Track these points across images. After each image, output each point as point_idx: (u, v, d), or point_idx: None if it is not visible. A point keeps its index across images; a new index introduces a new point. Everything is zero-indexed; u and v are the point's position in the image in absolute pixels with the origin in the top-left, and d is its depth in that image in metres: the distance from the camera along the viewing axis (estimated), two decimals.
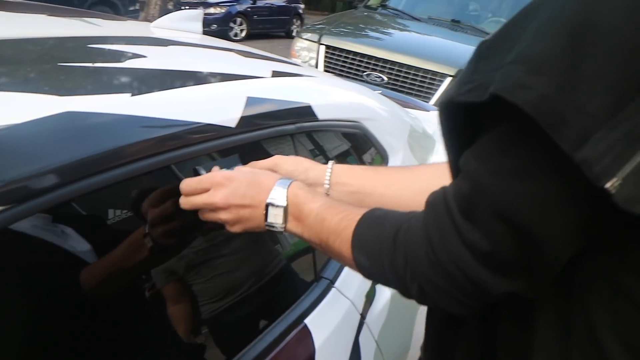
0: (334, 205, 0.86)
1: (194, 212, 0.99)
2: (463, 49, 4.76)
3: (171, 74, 1.25)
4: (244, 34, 15.67)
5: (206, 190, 0.95)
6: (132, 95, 1.02)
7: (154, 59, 1.31)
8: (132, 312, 1.03)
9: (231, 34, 15.26)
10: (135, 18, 12.75)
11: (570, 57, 0.51)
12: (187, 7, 14.87)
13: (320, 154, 1.58)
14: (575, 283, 0.61)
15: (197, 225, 1.03)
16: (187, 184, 0.97)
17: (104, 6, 11.45)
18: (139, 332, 1.04)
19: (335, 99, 1.69)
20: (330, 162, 1.08)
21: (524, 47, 0.54)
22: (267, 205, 0.91)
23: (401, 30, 5.75)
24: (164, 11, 15.51)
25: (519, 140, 0.57)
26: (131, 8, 12.22)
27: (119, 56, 1.27)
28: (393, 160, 1.82)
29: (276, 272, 1.38)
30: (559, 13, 0.53)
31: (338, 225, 0.82)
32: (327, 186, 1.04)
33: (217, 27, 14.70)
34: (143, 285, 1.04)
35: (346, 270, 1.45)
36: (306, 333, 1.28)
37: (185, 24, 2.02)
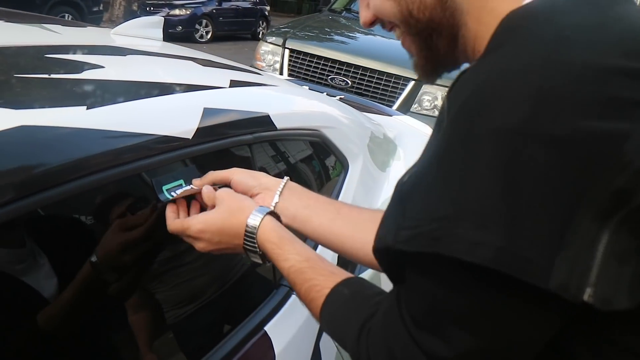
0: (302, 270, 0.88)
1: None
2: None
3: (128, 85, 1.26)
4: (209, 35, 15.61)
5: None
6: (87, 108, 1.02)
7: (111, 70, 1.31)
8: (94, 321, 1.03)
9: (197, 35, 15.20)
10: (99, 19, 12.61)
11: (507, 201, 0.54)
12: (152, 8, 14.78)
13: (278, 163, 1.60)
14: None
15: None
16: (171, 228, 1.01)
17: (66, 6, 11.30)
18: (100, 342, 1.05)
19: (295, 107, 1.71)
20: (285, 178, 1.10)
21: (459, 197, 0.56)
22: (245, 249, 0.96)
23: (365, 34, 5.80)
24: (128, 12, 15.40)
25: (474, 283, 0.58)
26: (95, 9, 12.09)
27: (77, 67, 1.27)
28: (353, 166, 1.85)
29: (236, 280, 1.40)
30: (481, 158, 0.55)
31: (306, 294, 0.86)
32: (275, 202, 1.06)
33: (182, 29, 14.63)
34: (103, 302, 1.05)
35: None
36: (266, 340, 1.30)
37: (146, 30, 2.02)
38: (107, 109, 1.06)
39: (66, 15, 11.28)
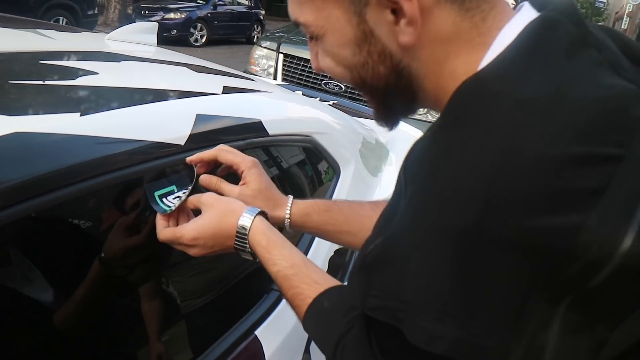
0: (288, 277, 0.91)
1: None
2: None
3: (122, 91, 1.27)
4: (204, 39, 15.66)
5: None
6: (81, 115, 1.04)
7: (105, 76, 1.33)
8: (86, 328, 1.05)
9: (191, 39, 15.24)
10: (94, 22, 12.61)
11: (463, 295, 0.56)
12: (147, 12, 14.80)
13: (271, 168, 1.62)
14: None
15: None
16: (162, 237, 1.02)
17: (62, 10, 11.30)
18: (96, 345, 1.06)
19: (287, 114, 1.73)
20: (290, 198, 1.14)
21: (418, 287, 0.58)
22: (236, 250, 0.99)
23: None
24: (123, 16, 15.41)
25: None
26: (89, 12, 12.09)
27: (71, 73, 1.28)
28: (345, 171, 1.87)
29: (227, 285, 1.41)
30: (437, 253, 0.57)
31: (292, 300, 0.90)
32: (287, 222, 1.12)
33: (177, 33, 14.67)
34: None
35: None
36: (256, 344, 1.31)
37: (140, 36, 2.04)
38: (100, 116, 1.08)
39: (61, 18, 11.28)
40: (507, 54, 0.62)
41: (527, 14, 0.66)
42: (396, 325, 0.60)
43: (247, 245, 0.96)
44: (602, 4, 46.01)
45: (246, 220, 0.96)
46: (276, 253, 0.94)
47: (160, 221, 1.03)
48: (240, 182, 1.11)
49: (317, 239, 1.59)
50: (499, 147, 0.55)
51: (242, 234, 0.96)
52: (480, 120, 0.58)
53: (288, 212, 1.12)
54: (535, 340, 0.55)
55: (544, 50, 0.61)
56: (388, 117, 0.78)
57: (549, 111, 0.56)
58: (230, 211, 0.99)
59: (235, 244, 0.97)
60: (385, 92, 0.72)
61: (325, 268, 1.60)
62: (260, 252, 0.95)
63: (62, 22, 11.27)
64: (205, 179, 1.10)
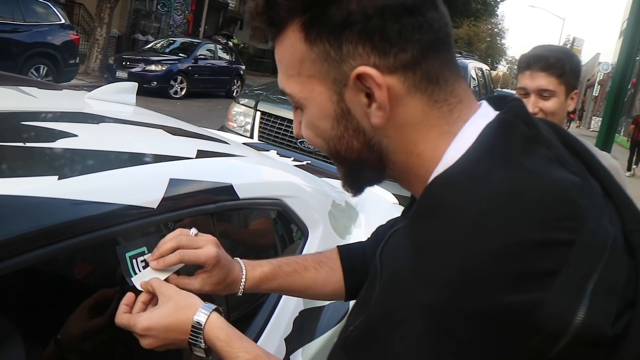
0: None
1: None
2: None
3: (99, 154, 1.33)
4: (183, 92, 15.80)
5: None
6: (59, 179, 1.10)
7: (84, 138, 1.38)
8: None
9: (171, 91, 15.37)
10: (75, 71, 12.70)
11: None
12: (128, 63, 14.95)
13: (240, 230, 1.68)
14: None
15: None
16: (118, 321, 1.03)
17: (43, 58, 11.40)
18: None
19: (258, 178, 1.80)
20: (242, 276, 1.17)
21: None
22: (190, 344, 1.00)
23: None
24: (104, 66, 15.52)
25: None
26: (71, 61, 12.19)
27: (51, 135, 1.34)
28: (313, 234, 1.93)
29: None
30: (412, 330, 0.64)
31: None
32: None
33: (157, 85, 14.80)
34: None
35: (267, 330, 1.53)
36: None
37: (119, 96, 2.11)
38: (77, 180, 1.14)
39: (42, 67, 11.37)
40: (470, 154, 0.71)
41: (487, 113, 0.76)
42: None
43: (202, 341, 0.98)
44: None
45: (202, 316, 0.99)
46: (238, 346, 0.97)
47: (122, 305, 1.04)
48: (201, 271, 1.11)
49: (281, 302, 1.64)
50: (468, 235, 0.63)
51: (197, 329, 0.98)
52: (451, 212, 0.66)
53: (242, 288, 1.15)
54: None
55: (502, 150, 0.69)
56: (355, 185, 0.85)
57: (509, 204, 0.63)
58: (187, 306, 1.01)
59: (190, 338, 0.99)
60: (357, 163, 0.79)
61: (289, 329, 1.64)
62: (221, 345, 0.97)
63: (43, 71, 11.37)
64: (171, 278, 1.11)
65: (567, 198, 0.65)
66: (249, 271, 1.16)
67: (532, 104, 1.99)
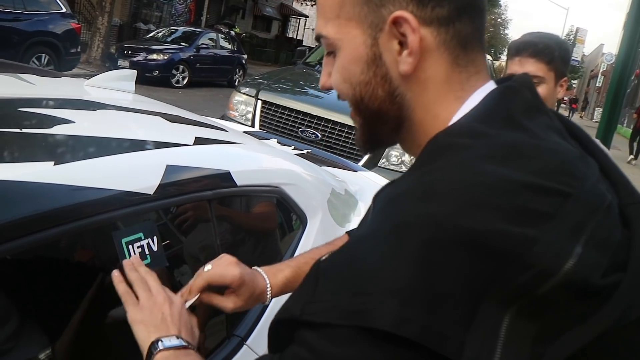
0: None
1: None
2: None
3: (96, 140, 1.33)
4: (185, 81, 15.79)
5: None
6: (55, 164, 1.10)
7: (81, 125, 1.39)
8: None
9: (173, 80, 15.36)
10: (77, 60, 12.68)
11: (427, 285, 0.61)
12: (130, 52, 14.93)
13: (239, 217, 1.68)
14: None
15: None
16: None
17: (44, 47, 11.39)
18: None
19: (256, 165, 1.80)
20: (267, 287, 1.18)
21: (384, 277, 0.62)
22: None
23: None
24: (106, 54, 15.50)
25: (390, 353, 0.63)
26: (72, 50, 12.17)
27: (48, 121, 1.34)
28: (312, 222, 1.93)
29: None
30: (405, 245, 0.63)
31: None
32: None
33: (159, 74, 14.78)
34: None
35: (259, 327, 1.53)
36: None
37: (118, 83, 2.11)
38: (74, 165, 1.14)
39: (43, 55, 11.35)
40: (473, 113, 0.75)
41: (493, 84, 0.80)
42: (348, 323, 0.62)
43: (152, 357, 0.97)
44: (577, 62, 47.24)
45: (168, 342, 0.97)
46: None
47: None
48: (230, 291, 1.13)
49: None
50: (469, 169, 0.66)
51: (150, 351, 0.96)
52: (453, 152, 0.69)
53: (269, 297, 1.18)
54: (486, 341, 0.61)
55: (505, 111, 0.73)
56: (368, 140, 0.86)
57: (509, 153, 0.67)
58: (162, 321, 1.01)
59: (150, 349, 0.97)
60: (376, 114, 0.81)
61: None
62: None
63: (44, 60, 11.35)
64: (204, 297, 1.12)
65: (567, 159, 0.69)
66: (272, 279, 1.19)
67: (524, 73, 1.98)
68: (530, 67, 1.96)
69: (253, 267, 1.19)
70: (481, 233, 0.61)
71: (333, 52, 0.82)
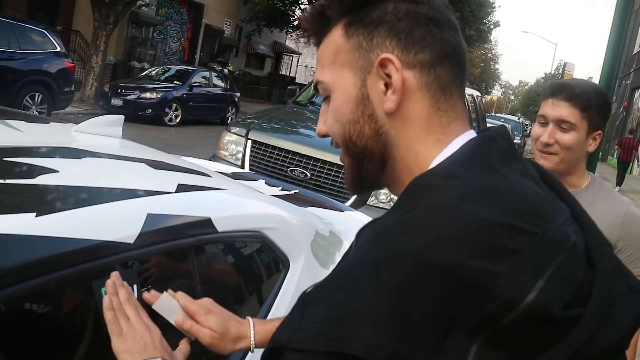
0: None
1: None
2: None
3: (79, 190, 1.37)
4: (178, 119, 15.89)
5: None
6: (37, 215, 1.13)
7: (65, 174, 1.42)
8: None
9: (166, 119, 15.45)
10: (70, 99, 12.76)
11: (400, 314, 0.67)
12: (123, 90, 15.04)
13: (218, 263, 1.71)
14: None
15: None
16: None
17: (38, 86, 11.48)
18: None
19: (238, 210, 1.83)
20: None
21: (360, 307, 0.68)
22: None
23: None
24: (100, 93, 15.59)
25: None
26: (66, 89, 12.25)
27: (33, 171, 1.37)
28: (294, 265, 1.96)
29: None
30: (381, 277, 0.69)
31: None
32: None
33: (152, 112, 14.88)
34: None
35: None
36: None
37: (106, 128, 2.15)
38: (55, 216, 1.17)
39: (37, 94, 11.44)
40: (452, 158, 0.81)
41: (473, 133, 0.87)
42: (329, 350, 0.67)
43: None
44: None
45: None
46: None
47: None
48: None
49: None
50: (444, 208, 0.72)
51: None
52: (430, 193, 0.75)
53: (253, 343, 1.22)
54: None
55: (481, 158, 0.80)
56: (356, 180, 0.92)
57: (482, 195, 0.73)
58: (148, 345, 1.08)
59: None
60: (362, 152, 0.88)
61: None
62: None
63: (38, 99, 11.44)
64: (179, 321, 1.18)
65: (535, 201, 0.75)
66: (259, 325, 1.24)
67: (548, 134, 1.86)
68: (563, 111, 1.83)
69: (246, 317, 1.24)
70: (452, 267, 0.67)
71: (328, 96, 0.90)
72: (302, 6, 30.08)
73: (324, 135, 0.93)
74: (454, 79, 0.86)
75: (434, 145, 0.84)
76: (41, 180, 1.34)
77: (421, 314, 0.66)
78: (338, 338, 0.67)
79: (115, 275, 1.14)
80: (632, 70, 32.48)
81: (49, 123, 2.31)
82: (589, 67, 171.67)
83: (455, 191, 0.73)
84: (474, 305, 0.67)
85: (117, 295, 1.12)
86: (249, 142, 5.43)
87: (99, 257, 1.18)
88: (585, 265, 0.74)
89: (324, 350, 0.68)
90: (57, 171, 1.41)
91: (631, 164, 21.66)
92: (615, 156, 23.31)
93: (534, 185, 0.80)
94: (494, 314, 0.67)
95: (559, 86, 1.88)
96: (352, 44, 0.85)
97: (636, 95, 30.65)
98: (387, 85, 0.83)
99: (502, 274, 0.67)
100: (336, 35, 0.87)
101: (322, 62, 0.91)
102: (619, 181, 18.65)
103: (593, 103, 1.83)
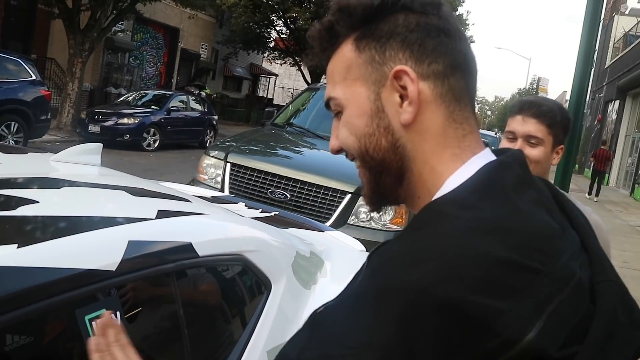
0: None
1: None
2: None
3: (59, 220, 1.38)
4: (157, 144, 15.83)
5: None
6: (18, 247, 1.15)
7: (45, 205, 1.44)
8: None
9: (144, 144, 15.39)
10: (47, 127, 12.68)
11: (403, 345, 0.68)
12: (100, 117, 14.98)
13: (200, 287, 1.72)
14: None
15: None
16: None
17: (14, 115, 11.40)
18: None
19: (218, 234, 1.85)
20: None
21: (367, 335, 0.71)
22: None
23: (306, 148, 6.09)
24: (76, 120, 15.50)
25: None
26: (42, 117, 12.18)
27: (12, 203, 1.39)
28: (276, 286, 1.98)
29: None
30: (387, 309, 0.70)
31: None
32: None
33: (130, 138, 14.81)
34: None
35: None
36: None
37: (84, 157, 2.16)
38: (36, 247, 1.19)
39: (13, 124, 11.36)
40: (467, 185, 0.80)
41: (490, 156, 0.87)
42: None
43: None
44: None
45: None
46: None
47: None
48: None
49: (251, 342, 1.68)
50: (452, 240, 0.72)
51: None
52: (442, 221, 0.75)
53: None
54: None
55: (496, 186, 0.79)
56: (374, 194, 0.92)
57: (492, 228, 0.73)
58: None
59: None
60: (380, 166, 0.88)
61: None
62: None
63: (14, 128, 11.36)
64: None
65: (545, 236, 0.75)
66: None
67: (517, 149, 1.96)
68: (531, 127, 1.97)
69: None
70: (456, 302, 0.68)
71: (340, 112, 0.90)
72: (278, 28, 30.24)
73: (338, 151, 0.93)
74: (466, 88, 0.87)
75: (450, 160, 0.84)
76: (21, 211, 1.35)
77: (423, 344, 0.68)
78: (330, 356, 0.70)
79: (107, 314, 1.09)
80: (604, 83, 33.05)
81: (27, 153, 2.32)
82: (563, 82, 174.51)
83: (467, 223, 0.74)
84: (476, 339, 0.68)
85: (105, 336, 1.07)
86: (228, 165, 5.43)
87: (81, 286, 1.20)
88: (587, 301, 0.74)
89: None
90: (37, 202, 1.43)
91: (607, 174, 22.45)
92: (590, 168, 24.08)
93: (547, 215, 0.80)
94: (494, 349, 0.68)
95: (528, 103, 2.02)
96: (364, 58, 0.85)
97: (609, 108, 31.19)
98: (402, 97, 0.84)
99: (505, 312, 0.67)
100: (346, 51, 0.87)
101: (333, 79, 0.90)
102: (590, 190, 20.01)
103: (558, 119, 1.98)
